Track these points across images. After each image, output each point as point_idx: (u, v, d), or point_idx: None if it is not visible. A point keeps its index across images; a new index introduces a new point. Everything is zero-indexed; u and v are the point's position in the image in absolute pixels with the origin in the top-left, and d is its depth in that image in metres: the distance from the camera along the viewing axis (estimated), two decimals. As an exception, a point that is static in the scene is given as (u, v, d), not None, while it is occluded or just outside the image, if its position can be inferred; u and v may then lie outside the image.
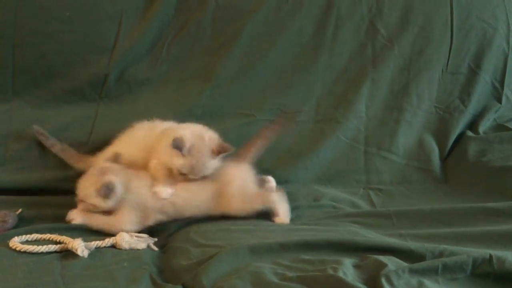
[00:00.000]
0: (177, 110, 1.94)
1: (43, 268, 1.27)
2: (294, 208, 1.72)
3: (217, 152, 1.60)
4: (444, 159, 2.07)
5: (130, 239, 1.42)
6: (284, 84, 2.00)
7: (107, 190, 1.50)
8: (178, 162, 1.57)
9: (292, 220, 1.65)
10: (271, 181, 1.77)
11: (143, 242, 1.43)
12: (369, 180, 2.00)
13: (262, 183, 1.74)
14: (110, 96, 1.91)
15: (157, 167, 1.62)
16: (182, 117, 1.92)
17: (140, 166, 1.65)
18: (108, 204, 1.53)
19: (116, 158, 1.60)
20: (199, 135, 1.61)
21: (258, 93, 1.98)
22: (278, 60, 1.99)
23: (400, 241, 1.40)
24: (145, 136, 1.71)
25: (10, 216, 1.54)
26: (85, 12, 1.87)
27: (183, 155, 1.56)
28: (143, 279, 1.24)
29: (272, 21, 1.97)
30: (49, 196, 1.79)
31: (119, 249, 1.40)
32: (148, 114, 1.89)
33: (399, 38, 2.06)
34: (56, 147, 1.80)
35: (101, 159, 1.68)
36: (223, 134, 1.88)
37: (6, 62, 1.83)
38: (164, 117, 1.89)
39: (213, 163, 1.60)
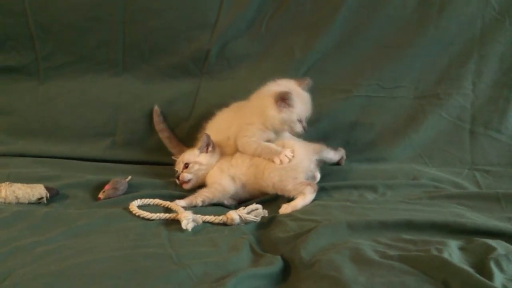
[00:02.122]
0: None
1: (151, 232, 1.36)
2: (391, 186, 1.69)
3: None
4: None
5: (242, 215, 1.46)
6: (383, 58, 1.93)
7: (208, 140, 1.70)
8: (290, 114, 1.64)
9: (389, 198, 1.61)
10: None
11: (254, 215, 1.47)
12: (474, 161, 1.89)
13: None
14: (211, 71, 1.97)
15: (250, 141, 1.67)
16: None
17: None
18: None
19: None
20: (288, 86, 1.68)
21: (356, 68, 1.94)
22: (378, 33, 1.92)
23: (510, 225, 1.32)
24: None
25: (121, 184, 1.65)
26: (190, -12, 1.92)
27: (289, 106, 1.64)
28: (244, 247, 1.28)
29: (375, -6, 1.91)
30: (154, 165, 1.92)
31: (230, 225, 1.45)
32: (246, 90, 1.93)
33: (511, 11, 1.90)
34: (164, 133, 1.92)
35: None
36: (319, 109, 1.89)
37: (117, 39, 1.93)
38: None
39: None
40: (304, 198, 1.57)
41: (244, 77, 1.96)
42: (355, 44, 1.93)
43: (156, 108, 1.93)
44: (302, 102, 1.68)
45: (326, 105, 1.91)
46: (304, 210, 1.51)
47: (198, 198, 1.60)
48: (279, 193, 1.62)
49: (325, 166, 1.77)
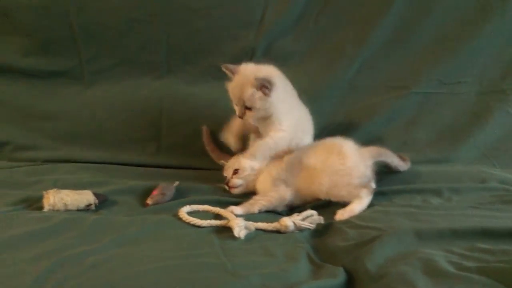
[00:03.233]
0: (322, 84, 1.89)
1: (203, 240, 1.30)
2: (457, 190, 1.57)
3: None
4: None
5: (296, 222, 1.38)
6: (443, 52, 1.83)
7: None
8: None
9: (456, 203, 1.50)
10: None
11: (309, 222, 1.39)
12: (546, 161, 1.76)
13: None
14: (256, 71, 1.90)
15: None
16: (328, 91, 1.86)
17: None
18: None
19: None
20: None
21: (413, 63, 1.84)
22: (436, 26, 1.82)
23: None
24: None
25: (168, 189, 1.60)
26: (234, -14, 1.87)
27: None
28: (301, 257, 1.21)
29: (432, -16, 1.81)
30: (201, 170, 1.87)
31: (284, 232, 1.37)
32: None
33: None
34: (215, 153, 1.85)
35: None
36: (372, 110, 1.79)
37: (160, 40, 1.90)
38: (308, 91, 1.84)
39: None
40: (361, 202, 1.49)
41: (291, 76, 1.87)
42: (411, 37, 1.83)
43: (206, 128, 1.86)
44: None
45: (381, 103, 1.83)
46: (363, 216, 1.42)
47: (255, 206, 1.53)
48: (332, 199, 1.54)
49: (383, 169, 1.67)
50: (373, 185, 1.56)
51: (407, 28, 1.83)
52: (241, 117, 1.54)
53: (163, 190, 1.59)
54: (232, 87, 1.55)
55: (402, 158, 1.69)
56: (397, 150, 1.71)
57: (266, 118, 1.57)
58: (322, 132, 1.77)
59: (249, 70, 1.55)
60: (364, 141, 1.65)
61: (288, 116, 1.59)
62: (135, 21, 1.87)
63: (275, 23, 1.86)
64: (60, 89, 1.94)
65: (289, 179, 1.59)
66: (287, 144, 1.61)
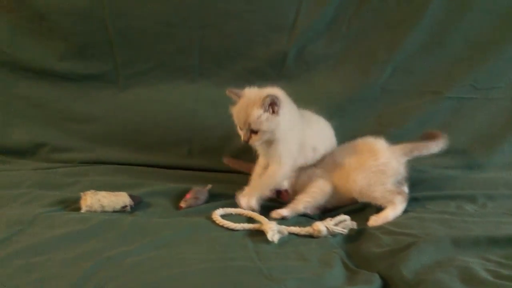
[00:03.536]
0: (354, 88, 1.88)
1: (237, 243, 1.31)
2: (491, 197, 1.56)
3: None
4: None
5: (329, 226, 1.39)
6: (477, 57, 1.80)
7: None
8: None
9: (491, 210, 1.49)
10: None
11: (342, 227, 1.39)
12: None
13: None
14: (288, 75, 1.90)
15: None
16: (360, 95, 1.85)
17: None
18: None
19: None
20: None
21: (446, 68, 1.82)
22: (471, 30, 1.80)
23: None
24: None
25: (201, 193, 1.62)
26: (267, -10, 1.87)
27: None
28: (336, 262, 1.21)
29: (467, -12, 1.78)
30: (231, 173, 1.87)
31: (316, 237, 1.38)
32: (325, 93, 1.86)
33: None
34: (242, 167, 1.82)
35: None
36: (405, 114, 1.78)
37: (194, 44, 1.91)
38: (341, 95, 1.83)
39: None
40: (395, 209, 1.48)
41: (323, 80, 1.88)
42: (445, 42, 1.81)
43: (227, 159, 1.85)
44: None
45: (413, 108, 1.81)
46: (397, 222, 1.41)
47: (300, 205, 1.54)
48: (366, 199, 1.52)
49: (416, 175, 1.65)
50: (406, 189, 1.55)
51: (441, 32, 1.80)
52: (246, 141, 1.52)
53: (197, 194, 1.61)
54: (237, 110, 1.53)
55: (433, 138, 1.61)
56: (430, 155, 1.69)
57: (270, 143, 1.53)
58: (354, 136, 1.76)
59: (254, 93, 1.52)
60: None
61: (290, 145, 1.55)
62: (171, 26, 1.89)
63: (308, 27, 1.86)
64: (95, 92, 1.97)
65: (325, 175, 1.59)
66: (289, 173, 1.58)
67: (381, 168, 1.52)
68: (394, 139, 1.62)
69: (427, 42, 1.81)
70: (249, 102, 1.50)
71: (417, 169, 1.70)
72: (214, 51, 1.92)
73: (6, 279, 1.10)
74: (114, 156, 1.93)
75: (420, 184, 1.64)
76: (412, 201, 1.52)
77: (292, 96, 1.86)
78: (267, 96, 1.47)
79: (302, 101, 1.79)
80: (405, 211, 1.48)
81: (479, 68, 1.81)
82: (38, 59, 1.95)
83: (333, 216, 1.42)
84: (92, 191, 1.52)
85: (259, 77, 1.90)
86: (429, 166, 1.78)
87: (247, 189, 1.56)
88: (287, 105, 1.53)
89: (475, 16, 1.78)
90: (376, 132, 1.73)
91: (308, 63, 1.89)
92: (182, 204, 1.57)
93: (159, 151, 1.94)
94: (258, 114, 1.47)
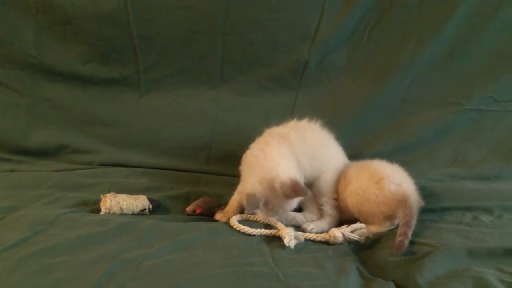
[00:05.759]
0: (375, 97, 1.88)
1: (254, 248, 1.33)
2: (507, 209, 1.55)
3: (291, 196, 1.43)
4: None
5: (346, 233, 1.40)
6: (498, 69, 1.80)
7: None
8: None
9: (506, 221, 1.48)
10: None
11: (358, 235, 1.40)
12: None
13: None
14: (308, 84, 1.92)
15: None
16: (380, 104, 1.86)
17: None
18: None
19: None
20: (269, 185, 1.44)
21: (467, 79, 1.81)
22: (492, 43, 1.79)
23: None
24: None
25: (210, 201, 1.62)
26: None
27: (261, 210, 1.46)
28: (351, 270, 1.22)
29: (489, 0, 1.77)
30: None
31: (332, 243, 1.39)
32: (344, 102, 1.86)
33: None
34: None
35: None
36: (425, 124, 1.78)
37: (216, 51, 1.93)
38: (361, 104, 1.82)
39: (291, 203, 1.47)
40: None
41: (343, 89, 1.89)
42: (466, 54, 1.81)
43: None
44: None
45: (433, 118, 1.80)
46: (413, 232, 1.40)
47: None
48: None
49: (433, 185, 1.65)
50: (421, 202, 1.53)
51: (462, 44, 1.81)
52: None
53: (205, 201, 1.61)
54: None
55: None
56: (448, 166, 1.70)
57: None
58: (374, 144, 1.77)
59: None
60: (415, 156, 1.65)
61: None
62: (194, 32, 1.91)
63: (330, 36, 1.87)
64: (117, 96, 2.00)
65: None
66: None
67: (381, 200, 1.46)
68: (413, 148, 1.64)
69: (448, 54, 1.82)
70: None
71: (434, 179, 1.71)
72: (236, 58, 1.94)
73: (26, 278, 1.12)
74: (134, 159, 1.95)
75: (437, 194, 1.63)
76: (429, 211, 1.52)
77: (312, 104, 1.90)
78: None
79: (322, 109, 1.83)
80: (422, 221, 1.46)
81: (499, 81, 1.80)
82: (63, 62, 1.98)
83: (349, 224, 1.43)
84: (112, 193, 1.54)
85: (280, 85, 1.95)
86: (446, 176, 1.77)
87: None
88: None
89: (496, 29, 1.78)
90: (396, 140, 1.73)
91: (328, 72, 1.90)
92: (197, 209, 1.58)
93: (179, 155, 1.96)
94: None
